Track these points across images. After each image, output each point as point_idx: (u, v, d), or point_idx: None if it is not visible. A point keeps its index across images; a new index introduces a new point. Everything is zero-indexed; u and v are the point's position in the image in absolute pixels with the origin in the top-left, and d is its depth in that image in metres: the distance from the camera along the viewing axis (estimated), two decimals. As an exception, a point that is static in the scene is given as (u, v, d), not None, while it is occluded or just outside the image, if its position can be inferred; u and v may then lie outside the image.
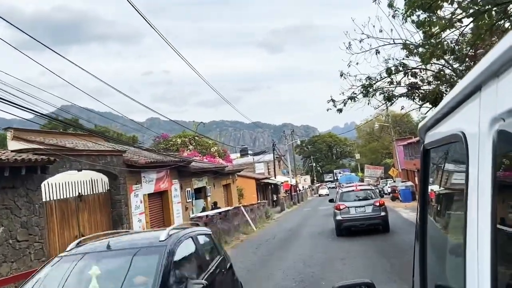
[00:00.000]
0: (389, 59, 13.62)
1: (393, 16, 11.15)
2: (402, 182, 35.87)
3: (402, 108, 14.56)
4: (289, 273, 9.92)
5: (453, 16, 9.64)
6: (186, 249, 5.40)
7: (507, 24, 9.60)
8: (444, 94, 13.21)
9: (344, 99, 14.12)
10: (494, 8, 8.58)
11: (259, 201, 30.25)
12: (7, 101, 8.30)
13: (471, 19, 9.20)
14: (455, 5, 9.23)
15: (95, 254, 5.13)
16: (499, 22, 9.27)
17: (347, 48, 13.23)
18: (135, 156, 16.27)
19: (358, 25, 12.11)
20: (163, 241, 4.99)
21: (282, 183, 47.23)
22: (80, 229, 13.28)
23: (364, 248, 12.32)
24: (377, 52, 13.19)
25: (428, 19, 9.99)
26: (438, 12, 9.76)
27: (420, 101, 13.65)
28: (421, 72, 13.82)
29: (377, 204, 15.64)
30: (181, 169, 20.17)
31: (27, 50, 11.00)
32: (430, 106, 13.58)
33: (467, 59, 12.43)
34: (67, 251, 5.52)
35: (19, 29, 9.20)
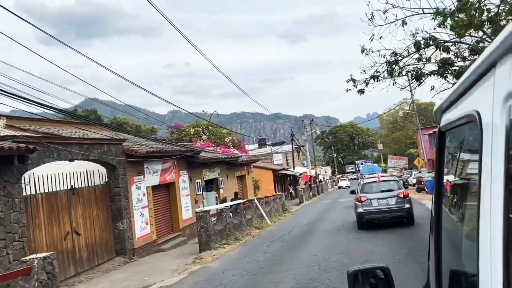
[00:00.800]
0: (417, 32, 11.92)
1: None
2: (429, 172, 33.77)
3: (432, 89, 12.74)
4: (301, 279, 8.43)
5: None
6: None
7: None
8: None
9: (366, 78, 12.47)
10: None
11: (275, 194, 28.73)
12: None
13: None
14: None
15: None
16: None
17: (369, 19, 11.57)
18: (136, 146, 14.97)
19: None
20: None
21: (300, 174, 45.51)
22: (73, 224, 12.08)
23: (390, 249, 10.71)
24: (404, 23, 11.53)
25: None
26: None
27: (454, 79, 11.85)
28: (455, 45, 12.03)
29: (401, 195, 14.73)
30: (190, 159, 18.85)
31: (53, 45, 11.68)
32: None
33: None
34: None
35: (37, 27, 9.79)
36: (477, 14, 9.35)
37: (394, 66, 12.19)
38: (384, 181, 16.15)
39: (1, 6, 8.18)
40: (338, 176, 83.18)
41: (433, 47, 11.93)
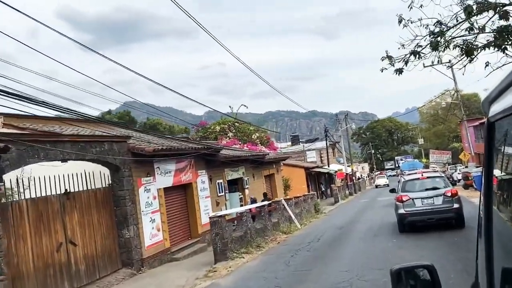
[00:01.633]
0: (468, -4, 9.76)
1: None
2: (477, 167, 30.72)
3: (487, 65, 10.45)
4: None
5: None
6: None
7: None
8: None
9: (405, 55, 10.37)
10: None
11: (306, 193, 26.68)
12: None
13: None
14: None
15: None
16: None
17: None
18: (144, 144, 13.43)
19: None
20: None
21: (336, 171, 43.09)
22: (68, 233, 10.63)
23: (440, 262, 8.55)
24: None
25: None
26: None
27: (516, 50, 9.59)
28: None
29: (449, 194, 12.89)
30: (209, 158, 17.21)
31: (92, 51, 10.99)
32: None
33: None
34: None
35: (69, 37, 10.08)
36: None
37: (439, 38, 10.04)
38: (428, 177, 14.15)
39: (43, 24, 8.85)
40: (376, 173, 79.37)
41: (488, 12, 9.71)
